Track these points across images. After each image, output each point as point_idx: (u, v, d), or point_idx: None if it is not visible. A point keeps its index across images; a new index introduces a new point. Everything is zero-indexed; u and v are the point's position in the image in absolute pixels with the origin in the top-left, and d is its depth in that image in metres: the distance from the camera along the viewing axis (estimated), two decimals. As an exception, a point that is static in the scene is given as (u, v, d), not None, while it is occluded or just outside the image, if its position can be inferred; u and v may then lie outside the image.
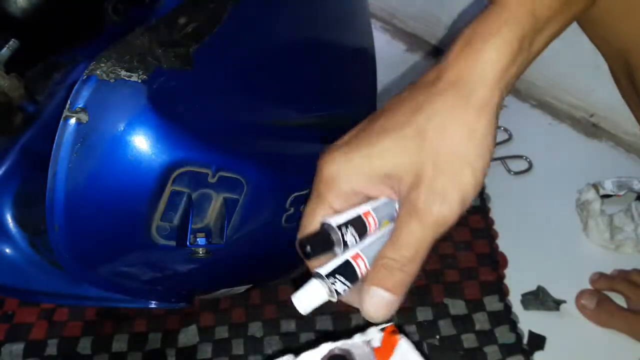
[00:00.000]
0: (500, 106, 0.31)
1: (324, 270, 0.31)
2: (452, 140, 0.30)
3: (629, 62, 0.53)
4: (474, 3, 0.85)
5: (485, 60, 0.30)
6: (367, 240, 0.33)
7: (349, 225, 0.32)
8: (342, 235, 0.32)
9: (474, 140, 0.30)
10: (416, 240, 0.30)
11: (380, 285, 0.30)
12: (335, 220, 0.32)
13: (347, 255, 0.32)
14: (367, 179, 0.31)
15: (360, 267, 0.32)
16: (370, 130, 0.32)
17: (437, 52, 0.95)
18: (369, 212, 0.33)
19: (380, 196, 0.33)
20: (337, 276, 0.31)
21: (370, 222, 0.33)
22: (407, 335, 0.38)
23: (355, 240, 0.32)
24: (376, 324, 0.37)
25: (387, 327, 0.38)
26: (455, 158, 0.30)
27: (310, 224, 0.33)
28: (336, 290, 0.31)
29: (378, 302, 0.30)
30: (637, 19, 0.53)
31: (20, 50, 0.47)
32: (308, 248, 0.31)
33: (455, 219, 0.30)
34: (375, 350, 0.40)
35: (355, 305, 0.32)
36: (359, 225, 0.32)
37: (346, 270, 0.31)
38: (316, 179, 0.33)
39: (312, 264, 0.33)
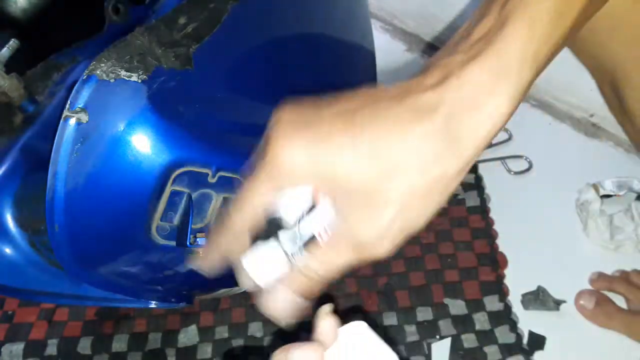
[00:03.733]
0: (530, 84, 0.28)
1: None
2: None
3: (614, 78, 0.53)
4: (474, 3, 0.85)
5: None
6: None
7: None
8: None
9: None
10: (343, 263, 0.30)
11: (294, 290, 0.30)
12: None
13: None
14: (319, 180, 0.29)
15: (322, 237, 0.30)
16: (350, 123, 0.28)
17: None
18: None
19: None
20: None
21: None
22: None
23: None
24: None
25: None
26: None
27: (253, 202, 0.30)
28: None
29: (285, 303, 0.31)
30: (622, 37, 0.52)
31: (20, 50, 0.47)
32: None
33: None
34: None
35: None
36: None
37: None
38: (269, 153, 0.28)
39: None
